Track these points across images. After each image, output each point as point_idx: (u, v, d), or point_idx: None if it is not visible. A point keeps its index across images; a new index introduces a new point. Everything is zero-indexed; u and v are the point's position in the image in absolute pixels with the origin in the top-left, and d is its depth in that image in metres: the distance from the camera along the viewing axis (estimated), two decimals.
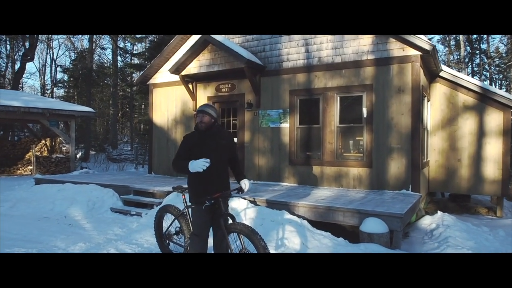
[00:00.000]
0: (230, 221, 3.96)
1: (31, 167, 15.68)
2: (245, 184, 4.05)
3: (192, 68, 10.16)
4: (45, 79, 37.02)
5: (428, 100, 9.71)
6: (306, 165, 9.18)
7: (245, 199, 6.66)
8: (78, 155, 22.55)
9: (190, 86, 10.76)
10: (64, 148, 17.28)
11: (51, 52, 34.44)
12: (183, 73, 10.28)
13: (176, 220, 4.66)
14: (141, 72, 12.22)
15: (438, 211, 7.79)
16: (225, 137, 4.12)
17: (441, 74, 9.66)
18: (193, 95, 10.80)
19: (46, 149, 17.57)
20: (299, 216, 6.18)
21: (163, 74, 11.50)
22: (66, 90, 34.58)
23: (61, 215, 7.32)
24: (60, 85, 33.25)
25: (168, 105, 11.56)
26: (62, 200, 7.97)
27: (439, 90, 9.86)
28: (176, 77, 10.69)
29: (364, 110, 8.43)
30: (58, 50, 34.32)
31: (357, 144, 8.76)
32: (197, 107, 10.70)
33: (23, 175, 15.73)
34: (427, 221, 7.51)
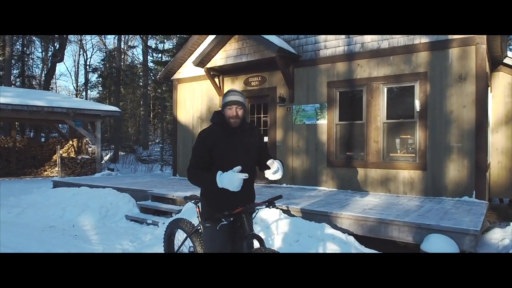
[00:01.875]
0: (256, 244, 2.92)
1: (57, 169, 15.22)
2: (274, 164, 2.85)
3: (218, 60, 9.20)
4: (79, 80, 37.33)
5: (490, 92, 8.32)
6: (347, 167, 8.01)
7: (277, 208, 5.59)
8: (107, 157, 22.20)
9: (216, 80, 9.81)
10: (90, 149, 16.78)
11: (84, 54, 34.47)
12: (208, 65, 9.34)
13: (189, 239, 3.66)
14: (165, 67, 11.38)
15: None
16: (253, 134, 3.07)
17: (505, 61, 8.27)
18: (219, 90, 9.84)
19: (73, 150, 17.15)
20: (343, 231, 5.04)
21: (188, 69, 10.61)
22: (99, 91, 34.63)
23: (69, 224, 6.51)
24: (90, 85, 33.22)
25: (193, 101, 10.66)
26: (74, 206, 7.17)
27: (502, 80, 8.46)
28: (201, 71, 9.77)
29: (417, 103, 7.18)
30: (92, 52, 33.94)
31: (408, 143, 7.52)
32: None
33: (50, 177, 15.29)
34: (497, 235, 6.17)
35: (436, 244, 4.47)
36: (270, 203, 2.97)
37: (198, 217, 3.54)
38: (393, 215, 5.12)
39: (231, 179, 2.61)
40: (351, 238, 4.76)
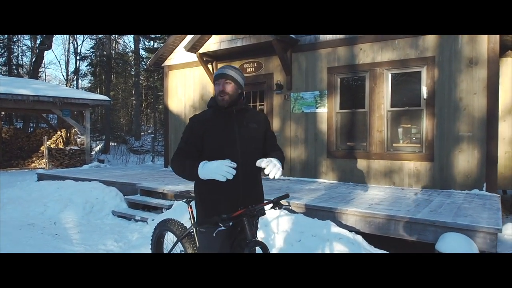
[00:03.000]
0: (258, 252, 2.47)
1: (45, 160, 14.65)
2: (267, 160, 2.30)
3: (212, 44, 8.67)
4: (70, 69, 36.27)
5: None
6: (349, 158, 7.58)
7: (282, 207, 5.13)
8: (97, 147, 21.63)
9: (209, 66, 9.29)
10: (79, 140, 16.19)
11: (74, 41, 33.41)
12: (201, 50, 8.81)
13: (180, 243, 3.20)
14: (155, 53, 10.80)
15: None
16: (256, 119, 2.55)
17: None
18: (213, 76, 9.31)
19: (61, 140, 16.57)
20: (349, 229, 4.62)
21: (179, 54, 10.06)
22: (91, 80, 33.70)
23: (50, 221, 6.00)
24: (80, 74, 32.38)
25: (186, 89, 10.14)
26: (56, 201, 6.66)
27: (510, 66, 8.01)
28: (194, 57, 9.24)
29: (424, 90, 6.74)
30: (83, 39, 32.52)
31: (414, 132, 7.09)
32: None
33: (37, 169, 14.71)
34: (509, 231, 5.82)
35: (453, 244, 4.05)
36: (276, 204, 2.51)
37: (190, 218, 3.09)
38: (403, 211, 4.70)
39: (215, 168, 2.16)
40: (359, 238, 4.32)
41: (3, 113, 19.30)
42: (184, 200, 3.11)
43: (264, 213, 2.54)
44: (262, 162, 2.27)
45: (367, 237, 4.53)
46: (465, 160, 6.43)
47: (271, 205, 2.53)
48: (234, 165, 2.16)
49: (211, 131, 2.39)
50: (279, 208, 2.53)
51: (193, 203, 2.78)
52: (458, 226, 4.13)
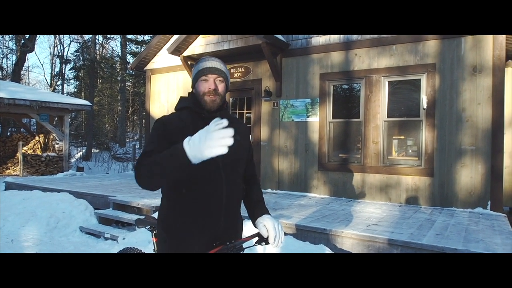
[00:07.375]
0: None
1: (20, 167, 13.84)
2: (268, 226, 1.89)
3: (197, 47, 8.10)
4: (55, 72, 35.28)
5: None
6: (342, 171, 7.04)
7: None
8: (78, 154, 20.84)
9: None
10: (57, 146, 15.41)
11: (60, 44, 32.47)
12: (185, 53, 8.23)
13: None
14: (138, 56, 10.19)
15: None
16: (240, 130, 1.85)
17: None
18: None
19: (39, 146, 15.76)
20: None
21: (163, 58, 9.47)
22: (77, 85, 32.81)
23: (8, 238, 5.30)
24: (66, 78, 31.56)
25: (169, 94, 9.53)
26: (18, 215, 5.96)
27: (511, 76, 7.61)
28: (178, 60, 8.67)
29: (424, 99, 6.25)
30: (70, 43, 31.27)
31: (412, 145, 6.59)
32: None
33: (12, 176, 13.89)
34: None
35: None
36: (261, 238, 1.93)
37: (154, 250, 2.49)
38: (406, 234, 4.16)
39: (207, 136, 1.40)
40: None
41: None
42: (147, 228, 2.51)
43: (243, 250, 1.96)
44: (265, 229, 1.86)
45: None
46: (468, 175, 5.93)
47: (256, 239, 1.95)
48: (223, 122, 1.39)
49: (183, 135, 1.75)
50: (265, 244, 1.95)
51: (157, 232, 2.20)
52: (472, 253, 3.59)
